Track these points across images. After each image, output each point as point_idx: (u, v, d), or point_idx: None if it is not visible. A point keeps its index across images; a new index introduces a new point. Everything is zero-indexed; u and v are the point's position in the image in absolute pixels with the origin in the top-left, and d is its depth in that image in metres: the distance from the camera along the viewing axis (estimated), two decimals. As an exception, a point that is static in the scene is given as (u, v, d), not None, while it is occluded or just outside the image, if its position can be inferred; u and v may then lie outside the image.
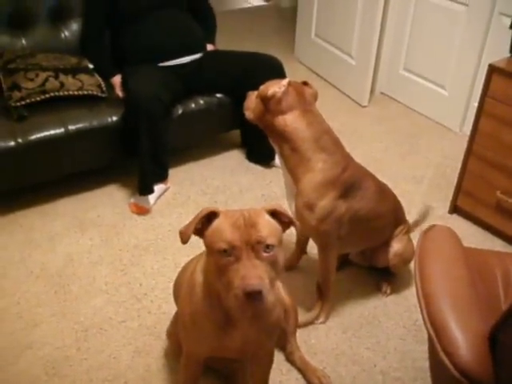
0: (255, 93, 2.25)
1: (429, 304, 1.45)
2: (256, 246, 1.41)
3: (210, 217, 1.50)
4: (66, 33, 3.33)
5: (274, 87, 2.13)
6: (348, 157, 2.22)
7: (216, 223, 1.48)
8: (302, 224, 2.22)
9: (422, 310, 1.46)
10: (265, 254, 1.42)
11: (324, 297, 2.40)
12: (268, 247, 1.42)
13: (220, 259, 1.43)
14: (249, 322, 1.64)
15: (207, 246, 1.50)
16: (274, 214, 1.53)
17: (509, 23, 2.70)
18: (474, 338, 1.36)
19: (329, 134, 2.17)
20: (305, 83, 2.25)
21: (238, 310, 1.44)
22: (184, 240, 1.52)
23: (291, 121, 2.13)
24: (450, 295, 1.47)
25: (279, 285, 2.12)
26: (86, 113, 2.94)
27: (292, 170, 2.17)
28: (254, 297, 1.37)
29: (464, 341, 1.35)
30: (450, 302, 1.44)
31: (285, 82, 2.15)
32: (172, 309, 2.20)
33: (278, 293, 1.78)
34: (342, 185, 2.15)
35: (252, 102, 2.26)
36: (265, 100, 2.15)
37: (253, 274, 1.38)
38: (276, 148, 2.23)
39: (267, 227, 1.46)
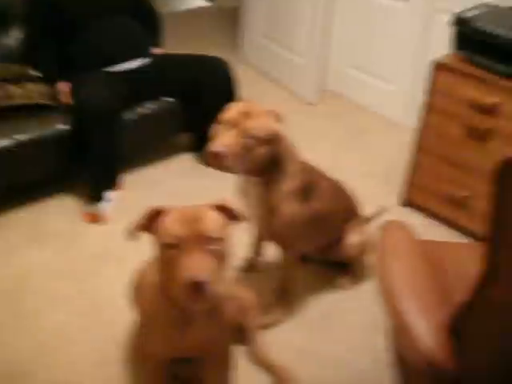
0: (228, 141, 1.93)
1: (391, 298, 1.49)
2: (201, 239, 1.48)
3: (158, 214, 1.57)
4: (8, 41, 3.25)
5: (269, 123, 2.00)
6: (301, 160, 2.24)
7: (163, 219, 1.55)
8: (265, 230, 2.26)
9: (384, 305, 1.49)
10: (210, 247, 1.49)
11: (285, 296, 2.43)
12: (213, 240, 1.49)
13: (167, 253, 1.49)
14: (203, 319, 1.69)
15: (156, 242, 1.55)
16: (222, 209, 1.60)
17: (447, 19, 2.78)
18: (435, 328, 1.40)
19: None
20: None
21: (185, 301, 1.50)
22: (132, 237, 1.60)
23: (285, 140, 2.10)
24: (411, 288, 1.51)
25: (238, 283, 2.15)
26: (34, 122, 2.88)
27: (266, 183, 2.11)
28: (198, 287, 1.43)
29: (426, 332, 1.39)
30: (411, 294, 1.48)
31: (273, 112, 2.04)
32: (134, 316, 2.18)
33: (232, 289, 1.82)
34: (303, 189, 2.18)
35: (234, 157, 1.93)
36: (272, 139, 2.01)
37: (197, 265, 1.44)
38: (247, 174, 2.08)
39: (212, 221, 1.53)
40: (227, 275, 1.81)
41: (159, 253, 1.54)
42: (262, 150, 1.99)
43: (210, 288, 1.45)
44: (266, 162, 2.04)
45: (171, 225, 1.51)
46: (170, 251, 1.48)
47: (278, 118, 2.04)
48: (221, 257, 1.52)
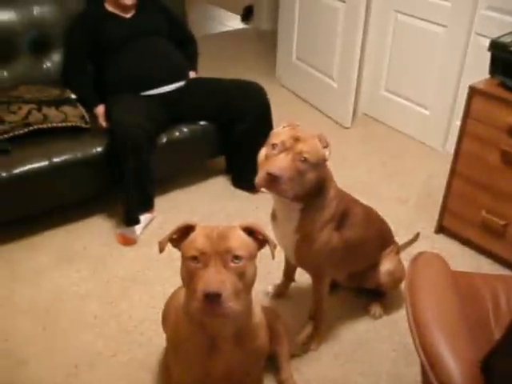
0: (284, 165, 1.89)
1: (421, 333, 1.45)
2: (224, 256, 1.50)
3: (188, 230, 1.60)
4: (48, 64, 3.33)
5: (319, 148, 1.99)
6: (337, 187, 2.22)
7: (192, 235, 1.58)
8: (299, 258, 2.24)
9: (414, 339, 1.46)
10: (232, 264, 1.50)
11: (317, 324, 2.40)
12: (236, 258, 1.50)
13: (190, 266, 1.52)
14: (232, 345, 1.67)
15: (182, 255, 1.58)
16: (250, 231, 1.61)
17: (486, 43, 2.74)
18: (466, 366, 1.36)
19: None
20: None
21: (200, 314, 1.51)
22: (160, 248, 1.62)
23: (327, 167, 2.10)
24: (442, 323, 1.47)
25: (269, 310, 2.13)
26: (69, 145, 2.93)
27: (304, 209, 2.08)
28: (212, 299, 1.44)
29: (457, 369, 1.35)
30: (441, 329, 1.44)
31: (321, 137, 2.01)
32: (162, 341, 2.17)
33: (263, 316, 1.81)
34: (337, 216, 2.16)
35: (289, 180, 1.90)
36: (320, 163, 1.99)
37: (215, 278, 1.46)
38: (292, 200, 2.02)
39: (238, 240, 1.55)
40: (258, 302, 1.80)
41: (183, 266, 1.57)
42: (312, 175, 1.96)
43: (225, 302, 1.45)
44: (312, 188, 2.01)
45: (196, 238, 1.54)
46: (192, 264, 1.51)
47: (325, 142, 2.02)
48: (242, 275, 1.52)
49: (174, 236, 1.61)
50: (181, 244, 1.60)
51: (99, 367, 2.31)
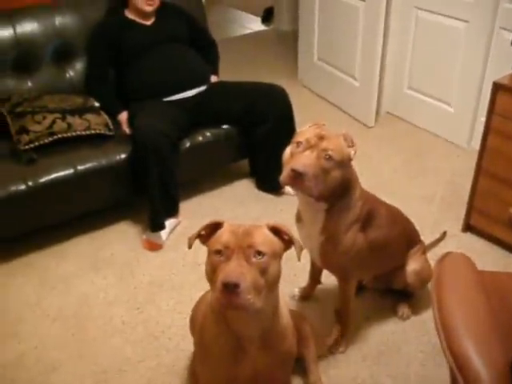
0: (310, 166, 1.89)
1: (448, 334, 1.43)
2: (247, 251, 1.52)
3: (216, 227, 1.63)
4: (71, 72, 3.36)
5: (344, 146, 1.98)
6: (362, 187, 2.20)
7: (219, 231, 1.61)
8: (324, 259, 2.23)
9: (441, 341, 1.44)
10: (254, 260, 1.52)
11: (344, 326, 2.39)
12: (259, 254, 1.52)
13: (213, 259, 1.55)
14: (259, 348, 1.68)
15: (208, 250, 1.60)
16: (276, 231, 1.63)
17: (510, 37, 2.71)
18: (495, 367, 1.34)
19: None
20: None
21: (217, 304, 1.52)
22: (189, 244, 1.67)
23: (352, 167, 2.09)
24: (469, 324, 1.45)
25: (295, 312, 2.12)
26: (94, 152, 2.96)
27: (329, 210, 2.07)
28: (231, 289, 1.46)
29: (485, 371, 1.33)
30: (469, 330, 1.42)
31: (347, 136, 2.01)
32: (190, 346, 2.18)
33: (290, 319, 1.81)
34: (362, 217, 2.15)
35: (313, 177, 1.89)
36: (345, 162, 1.98)
37: (235, 270, 1.48)
38: (317, 200, 2.01)
39: (261, 236, 1.57)
40: (285, 304, 1.80)
41: (207, 261, 1.59)
42: (336, 174, 1.95)
43: (243, 293, 1.46)
44: (337, 188, 2.00)
45: (222, 234, 1.58)
46: (216, 258, 1.53)
47: (350, 141, 2.01)
48: (264, 271, 1.53)
49: (203, 232, 1.64)
50: (208, 241, 1.63)
51: (128, 372, 2.33)
